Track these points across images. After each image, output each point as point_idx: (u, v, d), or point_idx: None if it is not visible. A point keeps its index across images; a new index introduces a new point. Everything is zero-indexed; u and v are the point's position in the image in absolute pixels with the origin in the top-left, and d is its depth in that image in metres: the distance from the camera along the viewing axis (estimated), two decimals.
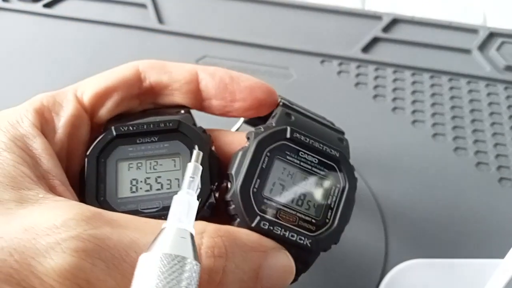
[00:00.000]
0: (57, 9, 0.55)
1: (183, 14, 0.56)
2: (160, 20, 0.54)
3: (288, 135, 0.25)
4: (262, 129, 0.25)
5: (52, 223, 0.18)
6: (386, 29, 0.54)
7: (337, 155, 0.26)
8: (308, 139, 0.25)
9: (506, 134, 0.44)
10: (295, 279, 0.24)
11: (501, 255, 0.28)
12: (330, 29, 0.55)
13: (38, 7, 0.55)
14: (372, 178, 0.40)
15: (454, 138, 0.44)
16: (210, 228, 0.21)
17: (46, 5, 0.55)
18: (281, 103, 0.27)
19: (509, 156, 0.43)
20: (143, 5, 0.56)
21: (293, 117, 0.26)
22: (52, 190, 0.22)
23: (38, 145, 0.23)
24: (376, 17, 0.56)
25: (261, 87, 0.27)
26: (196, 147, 0.24)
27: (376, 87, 0.48)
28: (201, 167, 0.20)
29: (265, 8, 0.57)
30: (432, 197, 0.39)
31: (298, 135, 0.25)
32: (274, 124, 0.25)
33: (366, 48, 0.52)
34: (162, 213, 0.23)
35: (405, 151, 0.43)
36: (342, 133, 0.28)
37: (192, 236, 0.18)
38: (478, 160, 0.42)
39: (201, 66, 0.28)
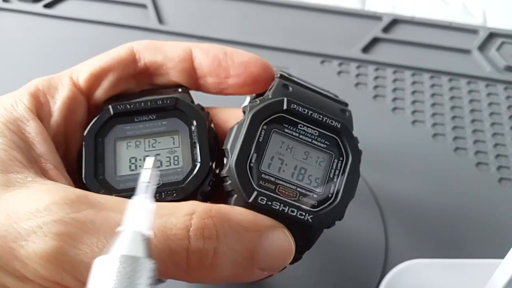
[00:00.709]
0: (57, 9, 0.55)
1: (183, 14, 0.56)
2: (160, 20, 0.54)
3: (285, 107, 0.24)
4: (258, 102, 0.24)
5: (35, 207, 0.18)
6: (386, 29, 0.54)
7: (339, 126, 0.24)
8: (307, 110, 0.24)
9: (506, 135, 0.44)
10: (298, 257, 0.23)
11: (501, 255, 0.28)
12: (330, 29, 0.55)
13: (38, 7, 0.55)
14: (372, 178, 0.40)
15: (454, 138, 0.44)
16: (201, 208, 0.20)
17: (46, 5, 0.55)
18: (278, 75, 0.26)
19: (509, 156, 0.43)
20: (143, 5, 0.56)
21: (290, 88, 0.25)
22: (44, 174, 0.22)
23: (31, 129, 0.22)
24: (376, 17, 0.56)
25: (256, 62, 0.26)
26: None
27: (376, 87, 0.48)
28: (155, 172, 0.20)
29: (265, 8, 0.57)
30: (432, 197, 0.39)
31: (296, 106, 0.24)
32: (270, 96, 0.24)
33: (366, 48, 0.52)
34: (162, 189, 0.23)
35: (405, 151, 0.43)
36: (346, 104, 0.27)
37: (147, 238, 0.18)
38: (478, 160, 0.42)
39: (195, 44, 0.27)
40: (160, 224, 0.19)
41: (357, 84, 0.49)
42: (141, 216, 0.18)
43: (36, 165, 0.22)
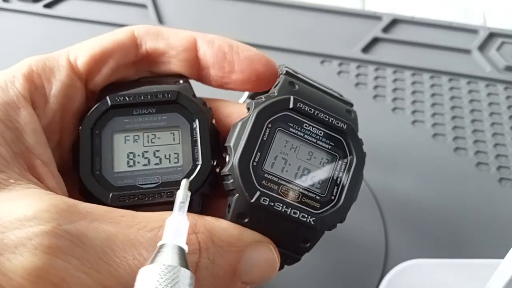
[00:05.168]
0: (57, 9, 0.55)
1: (183, 14, 0.56)
2: (160, 20, 0.54)
3: (291, 105, 0.23)
4: (263, 99, 0.23)
5: (23, 214, 0.17)
6: (386, 29, 0.54)
7: (344, 127, 0.24)
8: (313, 110, 0.23)
9: (506, 134, 0.44)
10: (297, 259, 0.23)
11: (501, 255, 0.28)
12: (330, 29, 0.55)
13: (38, 7, 0.55)
14: (372, 178, 0.40)
15: (454, 138, 0.44)
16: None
17: (46, 5, 0.55)
18: (284, 72, 0.25)
19: (509, 156, 0.43)
20: (143, 5, 0.56)
21: (297, 86, 0.24)
22: (31, 170, 0.20)
23: (21, 118, 0.21)
24: (376, 17, 0.56)
25: (261, 59, 0.25)
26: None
27: (376, 87, 0.48)
28: (189, 193, 0.20)
29: (265, 8, 0.57)
30: (432, 197, 0.39)
31: (302, 105, 0.23)
32: (276, 94, 0.23)
33: (366, 48, 0.52)
34: (161, 189, 0.23)
35: (405, 151, 0.43)
36: (351, 104, 0.26)
37: (184, 251, 0.19)
38: (478, 160, 0.42)
39: (200, 34, 0.26)
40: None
41: (357, 84, 0.49)
42: (178, 232, 0.19)
43: (22, 159, 0.20)
